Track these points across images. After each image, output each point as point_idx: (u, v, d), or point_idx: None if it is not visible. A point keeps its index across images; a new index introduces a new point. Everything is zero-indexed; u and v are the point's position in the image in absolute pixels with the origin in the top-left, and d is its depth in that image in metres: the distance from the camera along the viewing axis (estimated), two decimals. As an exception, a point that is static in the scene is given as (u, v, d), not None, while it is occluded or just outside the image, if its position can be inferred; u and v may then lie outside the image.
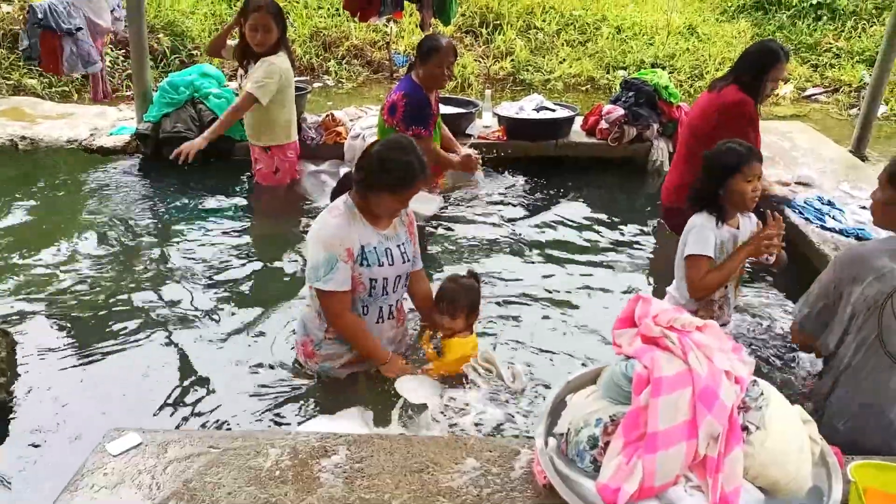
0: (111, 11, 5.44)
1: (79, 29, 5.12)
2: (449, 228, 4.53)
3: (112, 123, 5.95)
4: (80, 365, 3.11)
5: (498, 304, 3.65)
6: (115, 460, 2.00)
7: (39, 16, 4.99)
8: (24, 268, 3.88)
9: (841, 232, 4.06)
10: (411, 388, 2.77)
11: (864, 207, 4.41)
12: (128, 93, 7.22)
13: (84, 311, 3.51)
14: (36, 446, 2.64)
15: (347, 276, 2.70)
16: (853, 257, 2.37)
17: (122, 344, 3.26)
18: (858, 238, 3.96)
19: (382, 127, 4.45)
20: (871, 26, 9.30)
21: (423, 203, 4.40)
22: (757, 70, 3.86)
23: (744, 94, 3.87)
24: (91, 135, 5.72)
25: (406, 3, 5.68)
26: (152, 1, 8.39)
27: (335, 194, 2.78)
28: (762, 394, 1.82)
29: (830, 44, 9.21)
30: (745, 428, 1.74)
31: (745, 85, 3.88)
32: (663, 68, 8.00)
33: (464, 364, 2.87)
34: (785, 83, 8.58)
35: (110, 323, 3.42)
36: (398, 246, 2.83)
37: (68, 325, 3.40)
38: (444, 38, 4.36)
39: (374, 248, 2.74)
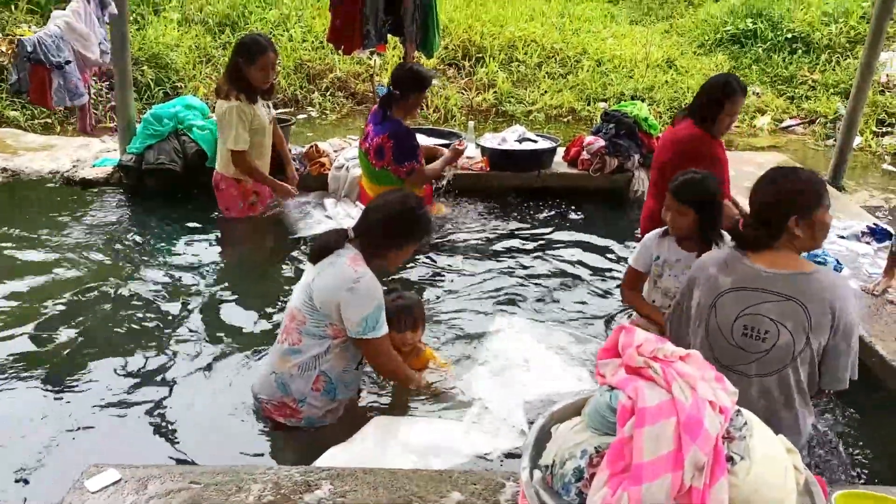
0: (98, 45, 5.45)
1: (67, 62, 5.12)
2: (429, 257, 4.53)
3: (95, 155, 5.93)
4: (59, 399, 3.06)
5: (475, 333, 3.65)
6: (93, 497, 1.97)
7: (29, 49, 4.99)
8: (2, 301, 3.83)
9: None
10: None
11: (842, 237, 4.48)
12: (111, 124, 7.21)
13: (63, 345, 3.46)
14: (13, 483, 2.58)
15: None
16: (699, 264, 2.53)
17: (101, 378, 3.21)
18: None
19: (373, 171, 4.41)
20: (845, 59, 9.52)
21: None
22: (712, 104, 3.72)
23: (698, 130, 3.76)
24: (73, 166, 5.70)
25: (390, 36, 5.75)
26: (136, 34, 8.43)
27: (322, 254, 2.72)
28: (746, 423, 1.82)
29: (806, 76, 9.41)
30: (729, 458, 1.74)
31: (701, 119, 3.76)
32: (643, 100, 8.13)
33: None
34: (762, 114, 8.74)
35: (89, 356, 3.38)
36: None
37: (46, 358, 3.35)
38: (424, 69, 4.39)
39: None
